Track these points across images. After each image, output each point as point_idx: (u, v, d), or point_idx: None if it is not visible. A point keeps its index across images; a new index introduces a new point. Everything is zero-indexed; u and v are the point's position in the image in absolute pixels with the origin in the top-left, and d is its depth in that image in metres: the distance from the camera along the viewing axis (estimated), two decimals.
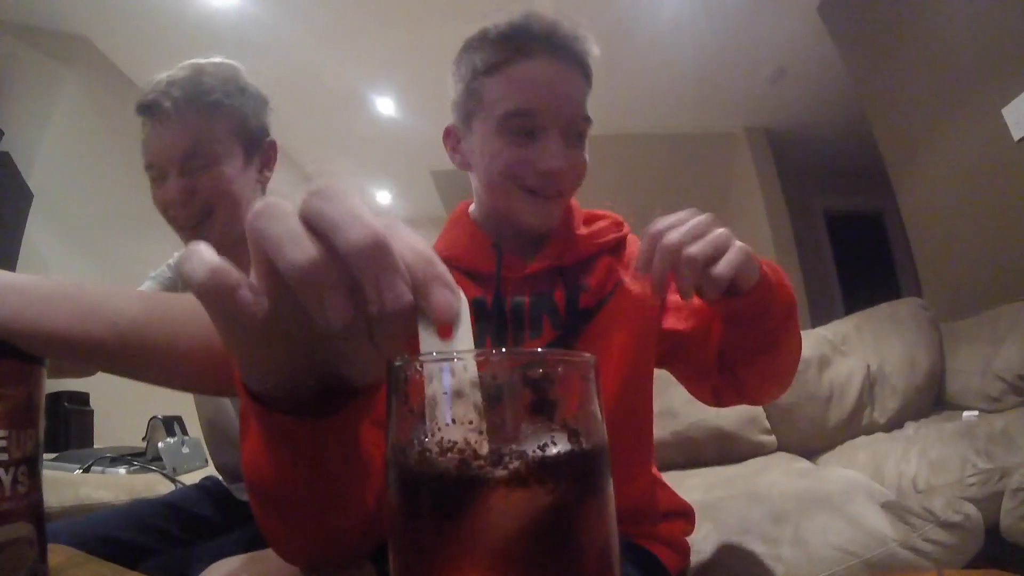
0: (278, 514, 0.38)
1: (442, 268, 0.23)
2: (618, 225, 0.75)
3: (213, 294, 0.22)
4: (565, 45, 0.63)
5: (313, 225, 0.22)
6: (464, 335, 0.23)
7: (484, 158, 0.66)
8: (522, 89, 0.63)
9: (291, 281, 0.21)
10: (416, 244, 0.23)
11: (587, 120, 0.66)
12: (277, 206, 0.22)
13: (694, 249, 0.50)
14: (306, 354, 0.27)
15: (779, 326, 0.60)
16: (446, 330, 0.23)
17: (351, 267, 0.21)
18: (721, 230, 0.52)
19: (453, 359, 0.20)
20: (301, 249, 0.21)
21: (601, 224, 0.74)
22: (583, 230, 0.72)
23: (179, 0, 2.57)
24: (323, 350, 0.27)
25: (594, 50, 0.66)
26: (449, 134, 0.73)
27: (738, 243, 0.53)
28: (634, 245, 0.74)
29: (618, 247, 0.73)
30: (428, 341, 0.22)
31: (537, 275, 0.69)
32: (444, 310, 0.22)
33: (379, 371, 0.28)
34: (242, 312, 0.22)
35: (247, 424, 0.34)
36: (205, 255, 0.22)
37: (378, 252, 0.21)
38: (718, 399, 0.72)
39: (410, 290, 0.21)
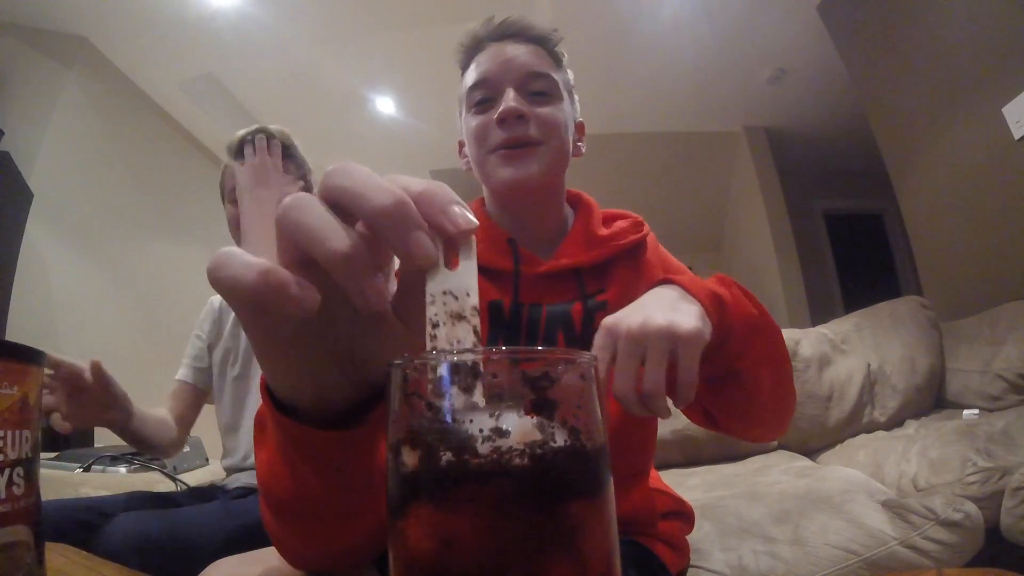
0: (293, 524, 0.37)
1: (451, 193, 0.24)
2: (638, 226, 0.73)
3: (265, 295, 0.21)
4: (511, 29, 0.72)
5: (337, 201, 0.22)
6: (467, 267, 0.23)
7: (467, 143, 0.73)
8: (478, 67, 0.71)
9: (333, 269, 0.22)
10: (418, 181, 0.24)
11: (542, 76, 0.69)
12: (304, 198, 0.23)
13: (648, 385, 0.45)
14: (340, 350, 0.27)
15: (741, 351, 0.53)
16: (453, 258, 0.23)
17: (378, 229, 0.22)
18: (659, 329, 0.45)
19: (453, 356, 0.20)
20: (340, 237, 0.22)
21: (621, 225, 0.72)
22: (602, 230, 0.71)
23: (179, 0, 2.57)
24: (356, 340, 0.27)
25: (539, 27, 0.72)
26: (460, 145, 0.78)
27: (685, 320, 0.46)
28: (654, 249, 0.73)
29: (637, 249, 0.71)
30: (434, 276, 0.23)
31: (555, 275, 0.68)
32: (464, 224, 0.23)
33: None
34: (298, 309, 0.22)
35: (263, 435, 0.34)
36: (247, 258, 0.22)
37: (403, 209, 0.22)
38: (711, 423, 0.64)
39: (432, 242, 0.22)
